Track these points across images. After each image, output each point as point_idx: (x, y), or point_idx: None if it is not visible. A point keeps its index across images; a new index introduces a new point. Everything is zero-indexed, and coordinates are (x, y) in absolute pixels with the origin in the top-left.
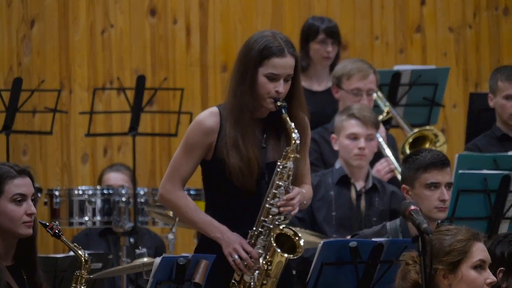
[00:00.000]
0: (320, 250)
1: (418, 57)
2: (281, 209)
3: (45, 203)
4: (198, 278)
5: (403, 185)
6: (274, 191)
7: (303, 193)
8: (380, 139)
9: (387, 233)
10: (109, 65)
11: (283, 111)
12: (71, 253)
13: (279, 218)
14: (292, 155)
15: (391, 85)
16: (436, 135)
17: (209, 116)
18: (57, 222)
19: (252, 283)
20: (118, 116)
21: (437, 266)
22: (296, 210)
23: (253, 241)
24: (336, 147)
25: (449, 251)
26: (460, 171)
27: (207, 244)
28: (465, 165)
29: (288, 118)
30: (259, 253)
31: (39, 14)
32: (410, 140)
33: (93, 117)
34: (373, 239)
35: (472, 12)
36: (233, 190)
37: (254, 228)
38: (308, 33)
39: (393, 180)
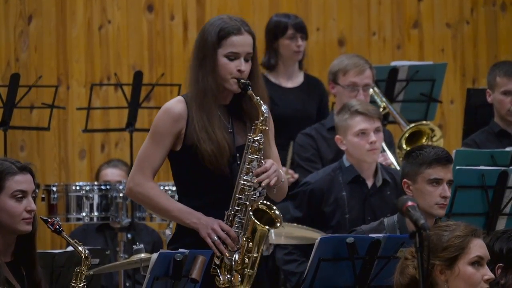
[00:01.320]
0: (318, 246)
1: (415, 53)
2: (257, 179)
3: (43, 199)
4: (195, 274)
5: (404, 180)
6: (247, 165)
7: (276, 166)
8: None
9: (384, 229)
10: (107, 61)
11: (248, 88)
12: (69, 249)
13: (254, 194)
14: (262, 128)
15: (388, 81)
16: (432, 130)
17: (176, 103)
18: (57, 218)
19: (233, 264)
20: (116, 111)
21: (434, 261)
22: (273, 181)
23: (230, 220)
24: (343, 147)
25: (446, 247)
26: (458, 167)
27: (182, 233)
28: (463, 161)
29: (253, 94)
30: (237, 232)
31: (37, 9)
32: (407, 135)
33: (91, 113)
34: (371, 235)
35: (470, 7)
36: (207, 175)
37: (230, 208)
38: (276, 30)
39: None
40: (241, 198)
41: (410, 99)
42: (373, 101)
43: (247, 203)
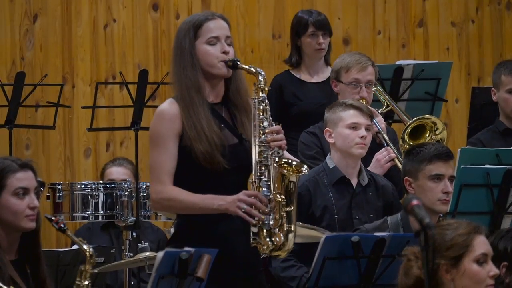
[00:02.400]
0: (322, 245)
1: (420, 51)
2: (272, 143)
3: (48, 197)
4: (201, 272)
5: (406, 177)
6: (259, 128)
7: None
8: (380, 128)
9: (388, 228)
10: (112, 60)
11: (238, 64)
12: (74, 247)
13: (274, 154)
14: (263, 88)
15: (393, 79)
16: (434, 123)
17: (169, 105)
18: (62, 217)
19: (272, 224)
20: (121, 110)
21: (439, 261)
22: (285, 143)
23: (256, 186)
24: (331, 140)
25: (450, 246)
26: (463, 166)
27: (181, 233)
28: (468, 159)
29: (245, 66)
30: (266, 196)
31: (42, 8)
32: (409, 129)
33: (96, 112)
34: (375, 234)
35: (475, 6)
36: (206, 174)
37: (253, 175)
38: (298, 28)
39: (393, 169)
40: (261, 161)
41: (415, 98)
42: (376, 100)
43: (269, 163)
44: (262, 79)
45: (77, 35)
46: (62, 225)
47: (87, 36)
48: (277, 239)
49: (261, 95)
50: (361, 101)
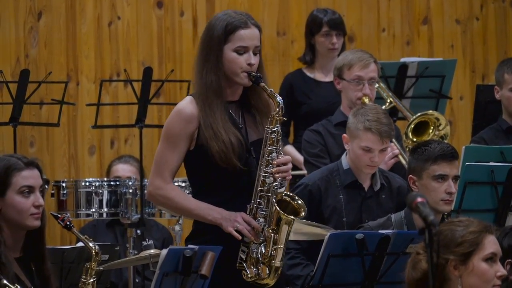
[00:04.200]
0: (327, 242)
1: (425, 49)
2: (277, 175)
3: (52, 195)
4: (205, 269)
5: (410, 175)
6: (266, 157)
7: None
8: None
9: (392, 225)
10: (116, 57)
11: (260, 81)
12: (78, 245)
13: (276, 186)
14: (278, 118)
15: (397, 77)
16: (437, 119)
17: (187, 104)
18: (68, 214)
19: (259, 257)
20: (125, 108)
21: (448, 256)
22: (290, 177)
23: (253, 213)
24: (347, 147)
25: (461, 242)
26: (467, 163)
27: (200, 231)
28: (472, 157)
29: (266, 86)
30: (261, 224)
31: (46, 6)
32: (413, 125)
33: (100, 109)
34: (380, 231)
35: (479, 4)
36: (220, 172)
37: (252, 201)
38: (312, 26)
39: (396, 165)
40: (262, 190)
41: (419, 95)
42: (379, 97)
43: (269, 194)
44: (279, 110)
45: (82, 32)
46: (68, 223)
47: (91, 33)
48: (263, 271)
49: (275, 125)
50: (364, 98)
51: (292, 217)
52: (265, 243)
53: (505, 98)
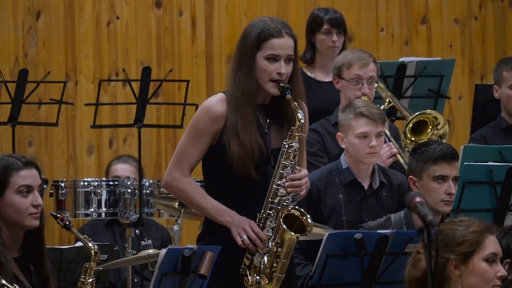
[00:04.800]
0: (325, 242)
1: (423, 48)
2: (289, 189)
3: (51, 195)
4: (204, 269)
5: (410, 176)
6: (281, 171)
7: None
8: (388, 133)
9: (391, 225)
10: (115, 57)
11: (287, 92)
12: (77, 245)
13: (287, 199)
14: (298, 134)
15: (396, 76)
16: (436, 118)
17: (217, 102)
18: (67, 214)
19: (262, 267)
20: (124, 107)
21: (449, 255)
22: (304, 192)
23: (262, 223)
24: (343, 145)
25: (461, 242)
26: (466, 163)
27: (211, 230)
28: (471, 157)
29: (292, 99)
30: (268, 235)
31: (45, 5)
32: (411, 125)
33: (99, 109)
34: (378, 231)
35: (478, 3)
36: (234, 176)
37: (262, 211)
38: (313, 25)
39: (394, 165)
40: (273, 202)
41: (418, 95)
42: (378, 96)
43: (279, 207)
44: (299, 126)
45: (80, 32)
46: (67, 223)
47: (90, 33)
48: (263, 280)
49: (294, 141)
50: (363, 97)
51: (296, 235)
52: (268, 254)
53: (504, 96)
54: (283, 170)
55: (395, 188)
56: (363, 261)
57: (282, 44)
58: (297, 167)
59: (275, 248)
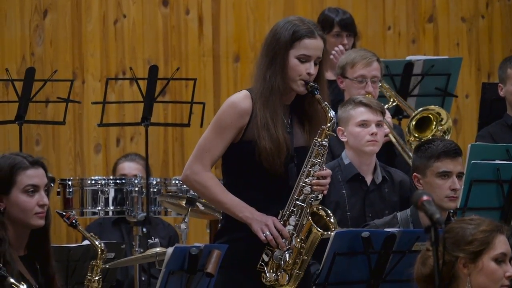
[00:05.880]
0: (333, 240)
1: (430, 47)
2: (315, 187)
3: (58, 193)
4: (211, 268)
5: (414, 174)
6: (309, 169)
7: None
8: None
9: (398, 223)
10: (122, 55)
11: (316, 92)
12: (84, 243)
13: (312, 198)
14: (329, 133)
15: (403, 75)
16: (439, 114)
17: (243, 98)
18: (73, 212)
19: (282, 263)
20: (131, 106)
21: (458, 254)
22: (326, 191)
23: (284, 220)
24: (343, 139)
25: (471, 241)
26: (473, 161)
27: (230, 227)
28: (478, 155)
29: (321, 98)
30: (290, 233)
31: (52, 4)
32: (414, 122)
33: (106, 107)
34: (386, 229)
35: (485, 2)
36: (260, 172)
37: (286, 208)
38: (323, 26)
39: (399, 162)
40: (298, 199)
41: (425, 94)
42: (382, 96)
43: (304, 205)
44: (330, 125)
45: (87, 30)
46: (74, 221)
47: (97, 31)
48: (282, 278)
49: (324, 138)
50: (367, 95)
51: (323, 231)
52: (290, 251)
53: (510, 93)
54: (311, 167)
55: (396, 184)
56: (370, 259)
57: (314, 45)
58: (324, 166)
59: (299, 245)
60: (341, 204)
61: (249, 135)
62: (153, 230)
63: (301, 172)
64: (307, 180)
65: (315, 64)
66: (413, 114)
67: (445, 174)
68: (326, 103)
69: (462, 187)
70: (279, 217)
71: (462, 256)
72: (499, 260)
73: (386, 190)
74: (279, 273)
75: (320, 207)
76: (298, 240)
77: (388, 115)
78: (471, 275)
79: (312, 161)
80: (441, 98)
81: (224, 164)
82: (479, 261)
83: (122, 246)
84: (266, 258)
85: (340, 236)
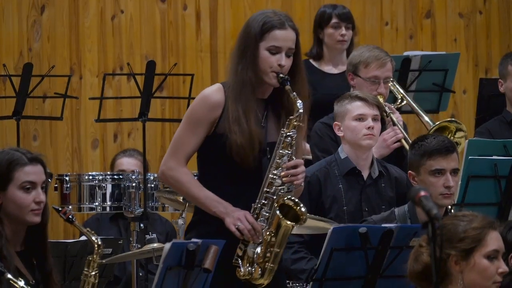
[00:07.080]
0: (330, 236)
1: (428, 43)
2: (285, 179)
3: (55, 189)
4: (208, 263)
5: (410, 171)
6: (277, 160)
7: (303, 168)
8: (394, 118)
9: (395, 219)
10: (119, 51)
11: (286, 83)
12: (82, 239)
13: (282, 189)
14: (296, 124)
15: (401, 70)
16: (458, 129)
17: (215, 91)
18: (70, 207)
19: (255, 257)
20: (128, 101)
21: (450, 251)
22: (300, 182)
23: (256, 213)
24: (340, 134)
25: (463, 238)
26: (470, 157)
27: (200, 223)
28: (475, 150)
29: (290, 89)
30: (262, 226)
31: None
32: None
33: (103, 103)
34: (383, 225)
35: None
36: (233, 166)
37: (257, 200)
38: (321, 20)
39: (401, 150)
40: (268, 191)
41: (422, 89)
42: (390, 93)
43: (274, 197)
44: (298, 115)
45: (85, 26)
46: (70, 216)
47: (94, 27)
48: (255, 271)
49: (291, 129)
50: (378, 97)
51: (291, 223)
52: (262, 244)
53: (509, 90)
54: (279, 159)
55: (392, 180)
56: (367, 255)
57: (284, 36)
58: (294, 157)
59: (269, 238)
60: (338, 198)
61: (221, 129)
62: (150, 225)
63: (270, 164)
64: (276, 172)
65: (287, 56)
66: (432, 126)
67: (438, 172)
68: (294, 93)
69: (459, 182)
70: (251, 211)
71: (453, 253)
72: (491, 257)
73: (383, 185)
74: (253, 267)
75: (287, 197)
76: (268, 233)
77: (397, 115)
78: (463, 273)
79: (280, 152)
80: (438, 93)
81: (198, 156)
82: (471, 259)
83: (119, 242)
84: (240, 253)
85: (338, 232)
